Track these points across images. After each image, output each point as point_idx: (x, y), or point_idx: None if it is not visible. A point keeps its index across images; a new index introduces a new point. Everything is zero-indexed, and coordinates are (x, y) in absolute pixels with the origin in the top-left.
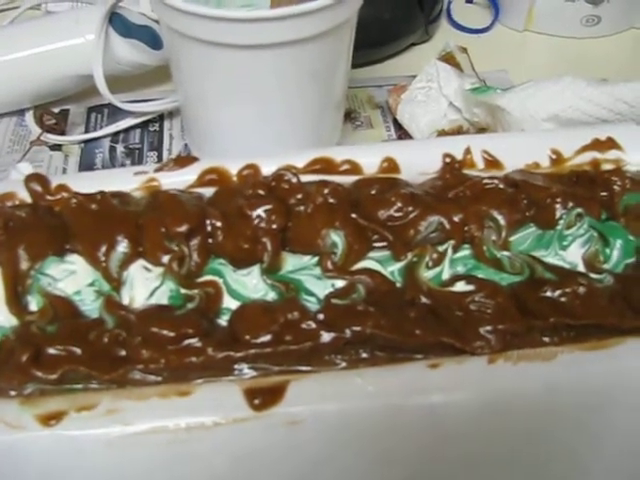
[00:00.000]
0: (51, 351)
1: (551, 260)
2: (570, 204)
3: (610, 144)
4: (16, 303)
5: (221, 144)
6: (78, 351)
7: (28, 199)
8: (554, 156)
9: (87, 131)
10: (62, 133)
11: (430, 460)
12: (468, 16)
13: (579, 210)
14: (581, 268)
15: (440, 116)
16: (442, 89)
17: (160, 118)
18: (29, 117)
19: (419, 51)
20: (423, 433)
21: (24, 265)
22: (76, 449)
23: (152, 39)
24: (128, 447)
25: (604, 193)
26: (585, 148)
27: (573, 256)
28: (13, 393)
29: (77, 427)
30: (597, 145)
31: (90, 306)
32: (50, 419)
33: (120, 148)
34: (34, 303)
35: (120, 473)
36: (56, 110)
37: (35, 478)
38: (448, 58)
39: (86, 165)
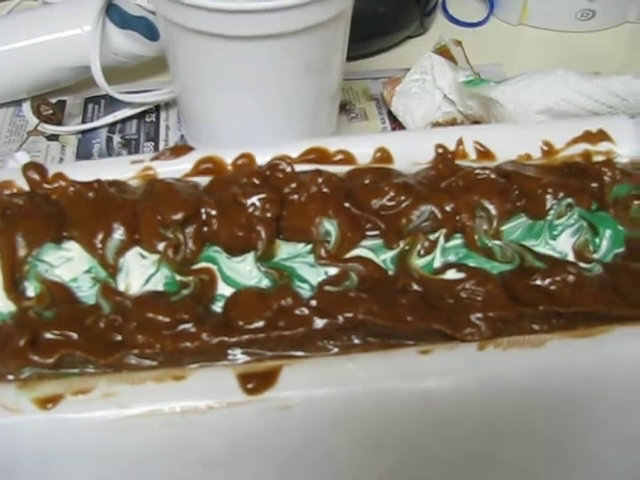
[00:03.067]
0: (48, 336)
1: (541, 249)
2: (561, 194)
3: (601, 136)
4: (14, 289)
5: (217, 135)
6: (75, 336)
7: (26, 187)
8: (546, 147)
9: (84, 122)
10: (59, 123)
11: (421, 445)
12: (463, 10)
13: (569, 200)
14: (571, 257)
15: (434, 108)
16: (436, 82)
17: (156, 109)
18: (26, 107)
19: (414, 44)
20: (414, 418)
21: (21, 252)
22: (72, 432)
23: (149, 30)
24: (123, 430)
25: (594, 184)
26: (576, 140)
27: (563, 246)
28: (11, 377)
29: (73, 410)
30: (588, 137)
31: (87, 292)
32: (47, 402)
33: (117, 139)
34: (31, 289)
35: (116, 455)
36: (53, 101)
37: (32, 460)
38: (443, 51)
39: (83, 155)
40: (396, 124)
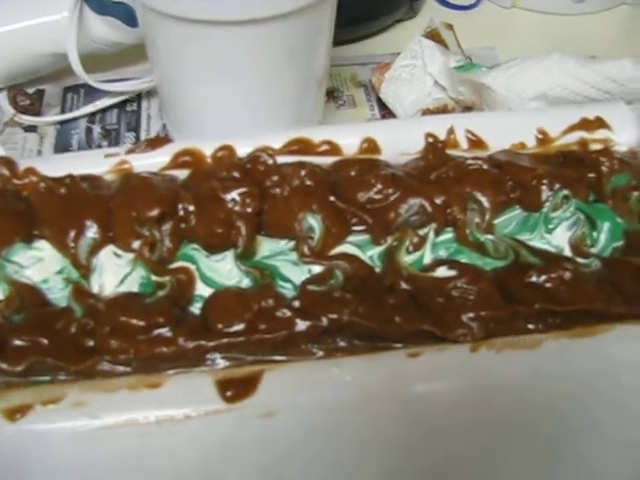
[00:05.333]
0: (17, 342)
1: (536, 244)
2: (556, 186)
3: (598, 123)
4: None
5: (199, 124)
6: (45, 342)
7: None
8: (541, 136)
9: (63, 112)
10: (37, 114)
11: (410, 452)
12: None
13: (566, 192)
14: (567, 252)
15: (425, 95)
16: (427, 67)
17: (138, 98)
18: (2, 98)
19: (404, 28)
20: (402, 424)
21: None
22: (42, 444)
23: (128, 16)
24: (96, 441)
25: (592, 174)
26: (573, 127)
27: (559, 240)
28: None
29: (43, 421)
30: (585, 124)
31: (58, 294)
32: (15, 413)
33: (97, 129)
34: (0, 291)
35: (88, 467)
36: (31, 90)
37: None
38: (433, 35)
39: (62, 147)
40: (385, 111)
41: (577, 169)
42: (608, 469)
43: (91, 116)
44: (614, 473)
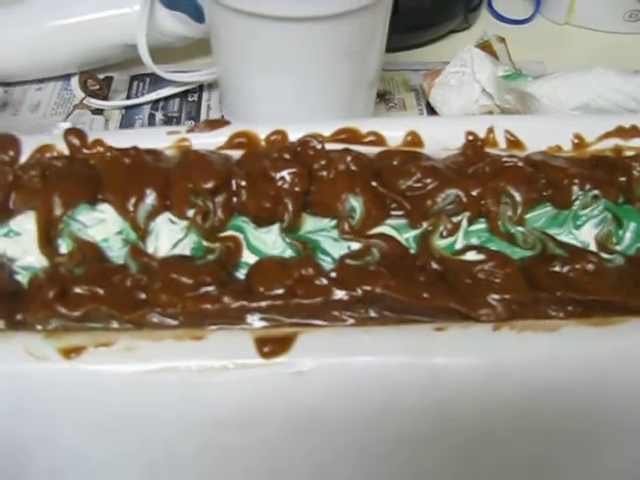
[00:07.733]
0: (76, 290)
1: (564, 238)
2: (587, 186)
3: (634, 132)
4: (47, 245)
5: (256, 116)
6: (101, 292)
7: (66, 152)
8: (576, 140)
9: (129, 98)
10: (105, 98)
11: (429, 421)
12: (509, 6)
13: (596, 192)
14: (593, 247)
15: (472, 101)
16: (475, 75)
17: (199, 89)
18: (74, 82)
19: (457, 39)
20: (424, 394)
21: (57, 211)
22: (92, 381)
23: (196, 12)
24: (141, 383)
25: (623, 178)
26: (608, 134)
27: (586, 236)
28: (39, 327)
29: (95, 361)
30: (621, 132)
31: (116, 253)
32: (71, 352)
33: (159, 115)
34: (64, 246)
35: (132, 407)
36: (100, 76)
37: (53, 407)
38: (485, 46)
39: None
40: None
41: (609, 172)
42: (609, 460)
43: (154, 103)
44: (615, 464)
